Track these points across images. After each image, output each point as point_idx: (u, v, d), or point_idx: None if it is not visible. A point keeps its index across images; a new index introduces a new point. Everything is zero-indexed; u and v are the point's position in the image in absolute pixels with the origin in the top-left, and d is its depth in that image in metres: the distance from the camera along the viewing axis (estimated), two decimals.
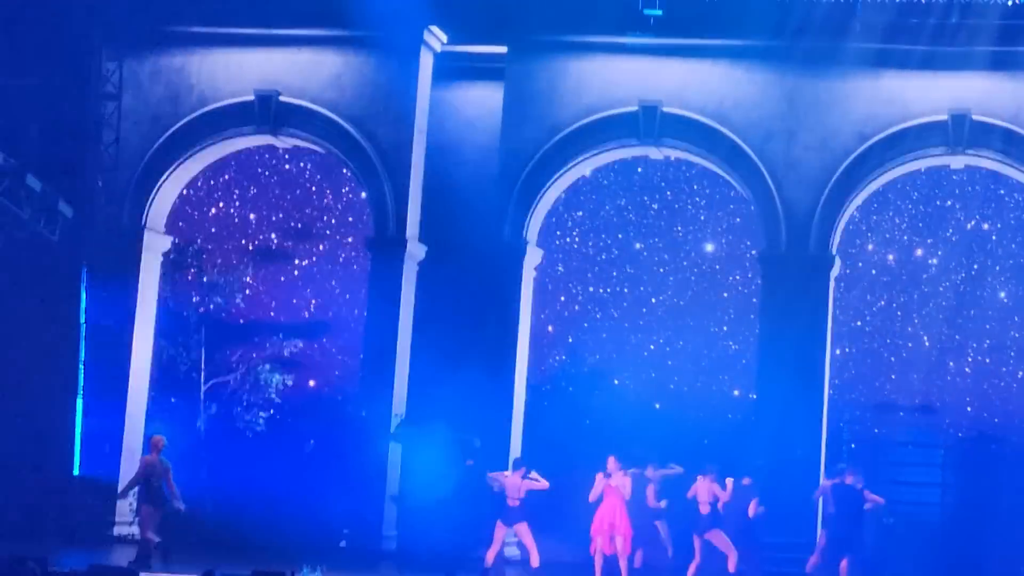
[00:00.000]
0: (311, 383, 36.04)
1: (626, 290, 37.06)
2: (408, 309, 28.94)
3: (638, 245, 37.05)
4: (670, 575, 25.60)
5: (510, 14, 28.64)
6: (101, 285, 29.28)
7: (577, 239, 37.27)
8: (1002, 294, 36.01)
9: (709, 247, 37.12)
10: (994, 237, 36.01)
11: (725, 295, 36.75)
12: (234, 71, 29.62)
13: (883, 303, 36.43)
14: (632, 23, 28.36)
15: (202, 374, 31.73)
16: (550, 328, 36.45)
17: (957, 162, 29.03)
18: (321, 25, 29.01)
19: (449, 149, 29.90)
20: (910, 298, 36.25)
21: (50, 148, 28.98)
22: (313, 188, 37.34)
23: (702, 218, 37.02)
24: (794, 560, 25.18)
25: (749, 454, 26.70)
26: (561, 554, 26.09)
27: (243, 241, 36.89)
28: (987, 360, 36.04)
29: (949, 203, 36.07)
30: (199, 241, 34.87)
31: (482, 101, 29.87)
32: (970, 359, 36.00)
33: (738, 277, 36.51)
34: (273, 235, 37.07)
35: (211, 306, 32.16)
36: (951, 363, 36.07)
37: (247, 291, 34.02)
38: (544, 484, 23.69)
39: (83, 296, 29.29)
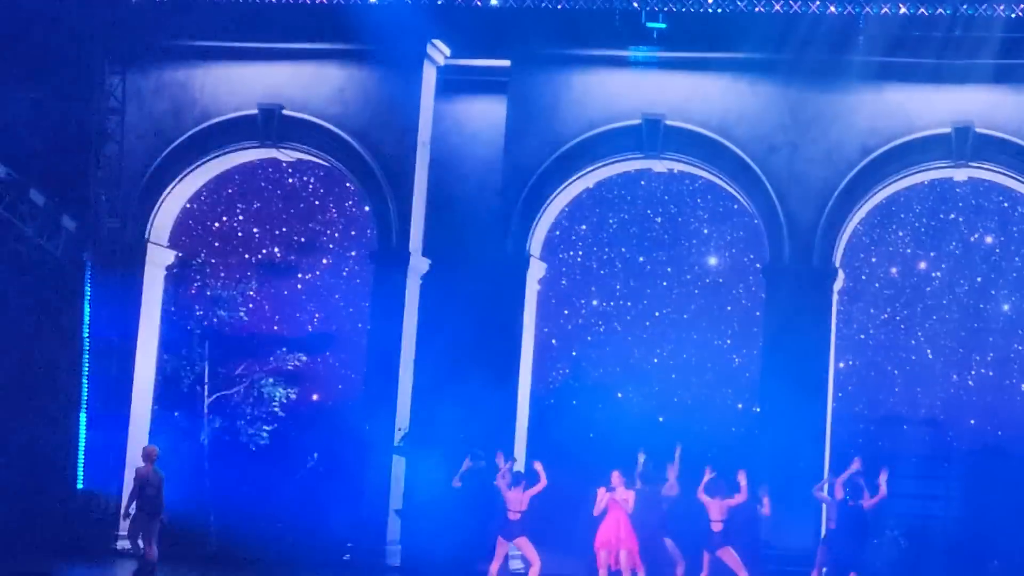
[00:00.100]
0: (314, 396, 36.04)
1: (629, 303, 37.09)
2: (411, 322, 28.93)
3: (641, 258, 37.09)
4: None
5: (513, 27, 28.62)
6: (104, 299, 29.28)
7: (580, 252, 37.30)
8: (1006, 307, 36.00)
9: (712, 260, 37.15)
10: (998, 250, 36.02)
11: (728, 308, 36.77)
12: (237, 85, 29.62)
13: (887, 316, 36.43)
14: (635, 36, 28.35)
15: (205, 388, 31.67)
16: (554, 341, 36.46)
17: (961, 175, 28.99)
18: (324, 39, 29.03)
19: (452, 162, 29.94)
20: (914, 311, 36.23)
21: (53, 162, 29.03)
22: (316, 201, 37.38)
23: (705, 231, 37.05)
24: (794, 574, 25.19)
25: (753, 466, 26.60)
26: (565, 567, 26.03)
27: (246, 254, 36.92)
28: (991, 373, 36.04)
29: (953, 216, 36.08)
30: (202, 254, 34.87)
31: (485, 115, 29.89)
32: (974, 372, 36.01)
33: (741, 290, 36.52)
34: (276, 248, 37.10)
35: (214, 319, 32.09)
36: (955, 376, 36.08)
37: (250, 304, 33.96)
38: (543, 483, 23.44)
39: (86, 310, 29.28)
